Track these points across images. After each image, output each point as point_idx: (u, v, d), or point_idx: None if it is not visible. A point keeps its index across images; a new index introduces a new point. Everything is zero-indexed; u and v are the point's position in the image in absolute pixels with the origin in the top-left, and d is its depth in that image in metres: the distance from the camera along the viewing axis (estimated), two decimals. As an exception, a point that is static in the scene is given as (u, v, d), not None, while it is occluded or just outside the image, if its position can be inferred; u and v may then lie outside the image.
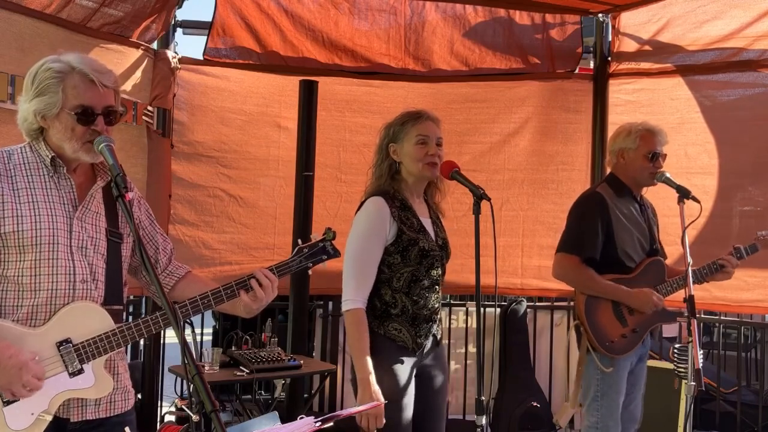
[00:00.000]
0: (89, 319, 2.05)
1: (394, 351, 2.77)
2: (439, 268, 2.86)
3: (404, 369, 2.77)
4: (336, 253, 2.31)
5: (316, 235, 2.31)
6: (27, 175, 2.07)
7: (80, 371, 2.03)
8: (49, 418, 2.00)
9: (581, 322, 3.38)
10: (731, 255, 3.51)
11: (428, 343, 2.85)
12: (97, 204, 2.15)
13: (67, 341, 2.02)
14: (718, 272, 3.49)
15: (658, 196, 3.67)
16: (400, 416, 2.73)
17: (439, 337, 2.93)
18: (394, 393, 2.72)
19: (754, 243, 3.57)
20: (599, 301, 3.38)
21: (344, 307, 2.74)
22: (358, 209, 2.86)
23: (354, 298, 2.73)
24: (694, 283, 3.30)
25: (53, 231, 2.04)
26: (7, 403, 1.97)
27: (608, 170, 3.61)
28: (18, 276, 2.02)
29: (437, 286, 2.85)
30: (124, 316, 2.19)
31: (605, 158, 3.63)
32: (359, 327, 2.71)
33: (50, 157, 2.08)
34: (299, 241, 2.30)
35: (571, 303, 3.56)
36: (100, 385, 2.07)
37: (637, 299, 3.34)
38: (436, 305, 2.86)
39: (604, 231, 3.35)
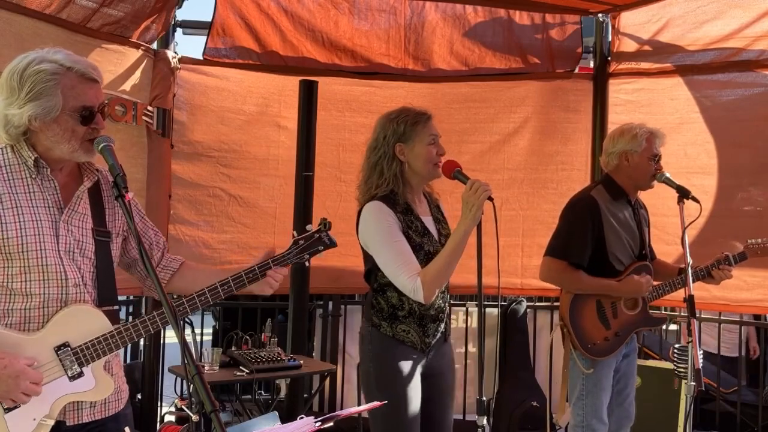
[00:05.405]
0: (86, 322, 2.03)
1: (402, 351, 2.77)
2: None
3: (412, 368, 2.77)
4: (332, 243, 2.25)
5: (311, 226, 2.26)
6: (9, 179, 2.02)
7: (80, 374, 2.02)
8: (51, 422, 1.99)
9: (565, 324, 3.39)
10: (720, 262, 3.51)
11: (435, 341, 2.84)
12: (84, 205, 2.12)
13: (66, 345, 2.00)
14: (705, 278, 3.51)
15: (658, 196, 3.66)
16: (407, 415, 2.74)
17: (447, 333, 2.92)
18: (401, 392, 2.72)
19: (743, 251, 3.58)
20: (584, 304, 3.39)
21: (412, 295, 2.64)
22: (358, 216, 2.82)
23: (410, 275, 2.63)
24: (677, 288, 3.34)
25: (39, 237, 2.00)
26: (8, 410, 1.95)
27: (603, 171, 3.58)
28: (8, 282, 1.99)
29: None
30: (124, 316, 2.18)
31: (602, 158, 3.58)
32: (439, 279, 2.64)
33: (33, 158, 2.02)
34: (294, 233, 2.25)
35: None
36: (101, 387, 2.06)
37: (626, 287, 3.36)
38: (443, 304, 2.85)
39: (594, 238, 3.34)
